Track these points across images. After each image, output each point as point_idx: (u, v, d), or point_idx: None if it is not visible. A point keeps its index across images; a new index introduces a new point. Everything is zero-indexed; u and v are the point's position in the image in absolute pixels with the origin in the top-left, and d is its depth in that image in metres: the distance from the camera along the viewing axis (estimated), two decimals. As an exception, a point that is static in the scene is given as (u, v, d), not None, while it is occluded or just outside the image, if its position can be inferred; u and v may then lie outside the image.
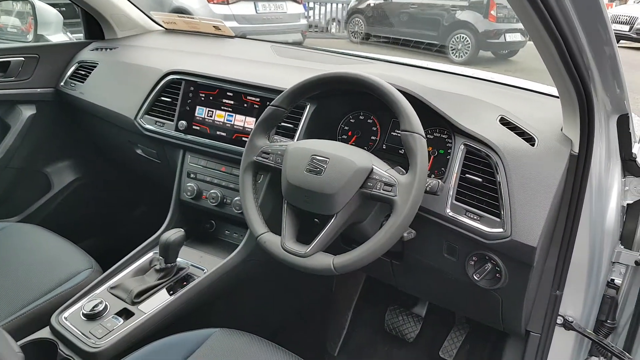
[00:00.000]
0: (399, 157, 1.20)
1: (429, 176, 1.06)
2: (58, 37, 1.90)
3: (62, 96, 1.72)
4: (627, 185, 1.14)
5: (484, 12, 8.13)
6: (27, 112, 1.67)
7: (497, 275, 1.04)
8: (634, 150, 1.12)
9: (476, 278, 1.05)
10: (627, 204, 1.15)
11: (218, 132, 1.35)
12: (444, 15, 8.47)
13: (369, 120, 1.25)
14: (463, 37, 8.03)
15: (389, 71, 1.42)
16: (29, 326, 1.09)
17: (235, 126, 1.33)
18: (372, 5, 9.12)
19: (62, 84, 1.72)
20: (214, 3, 6.53)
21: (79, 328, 1.08)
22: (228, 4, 6.57)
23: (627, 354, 1.12)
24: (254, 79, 1.31)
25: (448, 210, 1.03)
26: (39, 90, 1.70)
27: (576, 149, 0.98)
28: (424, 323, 1.67)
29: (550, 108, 1.11)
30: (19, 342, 1.04)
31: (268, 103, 1.29)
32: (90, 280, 1.22)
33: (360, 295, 1.74)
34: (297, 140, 1.21)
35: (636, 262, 1.14)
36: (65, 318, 1.11)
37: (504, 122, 1.08)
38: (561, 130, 1.03)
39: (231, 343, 1.03)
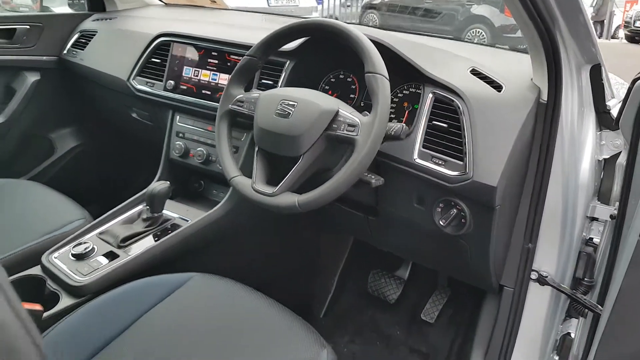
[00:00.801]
0: None
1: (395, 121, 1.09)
2: (63, 9, 1.99)
3: (65, 64, 1.81)
4: (603, 140, 1.14)
5: (500, 6, 8.05)
6: (32, 78, 1.76)
7: (462, 220, 1.07)
8: (609, 103, 1.13)
9: (442, 224, 1.08)
10: (604, 159, 1.16)
11: (204, 91, 1.41)
12: (459, 10, 8.41)
13: (348, 79, 1.30)
14: (479, 31, 7.98)
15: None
16: (20, 264, 1.16)
17: (219, 85, 1.39)
18: (386, 0, 9.10)
19: (64, 52, 1.80)
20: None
21: (67, 266, 1.15)
22: (240, -4, 6.64)
23: (599, 306, 1.14)
24: (236, 39, 1.37)
25: (415, 157, 1.07)
26: (43, 58, 1.79)
27: (545, 97, 1.01)
28: (405, 286, 1.71)
29: (524, 63, 1.14)
30: (10, 278, 1.11)
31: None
32: (81, 227, 1.29)
33: (347, 259, 1.78)
34: None
35: (611, 216, 1.14)
36: (55, 257, 1.18)
37: (475, 72, 1.11)
38: (531, 80, 1.06)
39: (211, 286, 1.08)
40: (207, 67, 1.41)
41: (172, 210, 1.37)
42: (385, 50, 1.08)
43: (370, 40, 1.02)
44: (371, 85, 0.97)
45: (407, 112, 1.18)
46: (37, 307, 0.98)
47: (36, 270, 1.16)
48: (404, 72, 1.14)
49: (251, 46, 1.32)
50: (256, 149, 1.08)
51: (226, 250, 1.43)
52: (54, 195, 1.44)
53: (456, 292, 1.66)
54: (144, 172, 2.14)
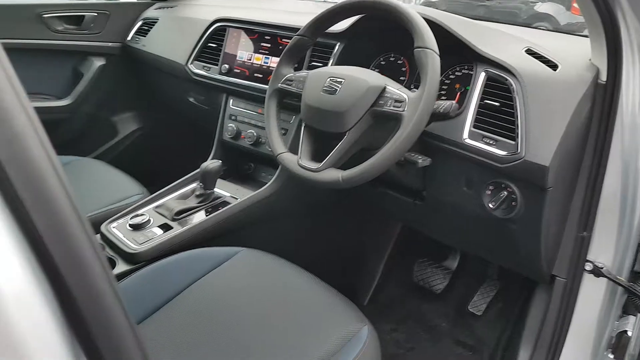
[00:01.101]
0: None
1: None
2: (128, -1, 2.10)
3: (129, 51, 1.91)
4: None
5: (567, 4, 7.67)
6: (98, 62, 1.87)
7: (513, 203, 1.04)
8: None
9: (491, 206, 1.05)
10: None
11: (255, 74, 1.45)
12: (522, 8, 8.09)
13: (399, 62, 1.29)
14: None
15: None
16: None
17: (270, 68, 1.42)
18: None
19: (128, 39, 1.90)
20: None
21: (124, 235, 1.22)
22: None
23: None
24: (288, 23, 1.40)
25: (465, 137, 1.05)
26: (109, 44, 1.90)
27: (604, 77, 0.96)
28: (453, 277, 1.67)
29: (583, 44, 1.09)
30: None
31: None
32: (139, 201, 1.37)
33: (393, 247, 1.77)
34: None
35: None
36: (113, 227, 1.25)
37: (530, 52, 1.07)
38: (589, 60, 1.02)
39: (257, 260, 1.11)
40: (260, 50, 1.45)
41: (223, 189, 1.42)
42: (437, 29, 1.06)
43: (422, 17, 1.01)
44: (420, 60, 0.96)
45: (458, 93, 1.16)
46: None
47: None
48: (456, 53, 1.12)
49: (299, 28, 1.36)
50: (302, 125, 1.10)
51: (273, 228, 1.46)
52: (115, 173, 1.53)
53: (506, 285, 1.61)
54: (199, 154, 2.22)
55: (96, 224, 1.26)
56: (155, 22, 1.84)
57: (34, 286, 0.37)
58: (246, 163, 1.60)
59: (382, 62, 1.31)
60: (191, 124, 1.94)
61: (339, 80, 1.03)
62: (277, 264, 1.10)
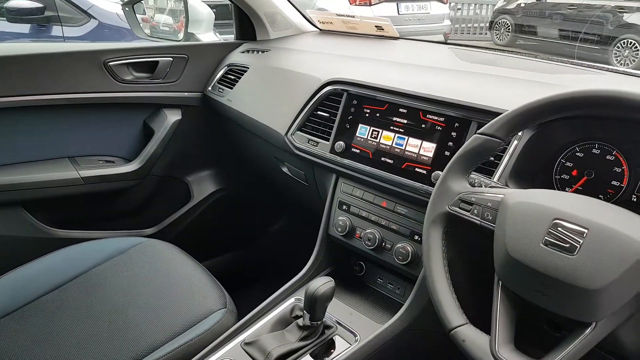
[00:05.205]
0: None
1: None
2: (208, 36, 1.79)
3: (209, 101, 1.58)
4: None
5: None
6: (173, 117, 1.55)
7: None
8: None
9: None
10: None
11: (383, 159, 1.06)
12: (608, 18, 7.43)
13: (608, 157, 0.86)
14: (631, 42, 6.93)
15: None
16: None
17: (406, 152, 1.03)
18: (522, 5, 8.47)
19: (209, 88, 1.58)
20: (355, 4, 6.40)
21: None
22: (370, 5, 6.39)
23: None
24: (437, 92, 1.00)
25: None
26: (186, 94, 1.58)
27: None
28: None
29: None
30: None
31: (457, 125, 0.98)
32: (223, 325, 1.04)
33: None
34: (498, 178, 0.87)
35: None
36: (192, 381, 0.92)
37: None
38: None
39: None
40: (391, 127, 1.06)
41: (330, 310, 1.04)
42: None
43: None
44: None
45: None
46: None
47: None
48: None
49: (461, 105, 0.96)
50: (498, 287, 0.69)
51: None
52: (191, 268, 1.21)
53: None
54: (287, 227, 1.87)
55: None
56: (244, 71, 1.49)
57: None
58: (355, 263, 1.23)
59: (579, 154, 0.89)
60: (282, 193, 1.59)
61: (576, 229, 0.63)
62: None
